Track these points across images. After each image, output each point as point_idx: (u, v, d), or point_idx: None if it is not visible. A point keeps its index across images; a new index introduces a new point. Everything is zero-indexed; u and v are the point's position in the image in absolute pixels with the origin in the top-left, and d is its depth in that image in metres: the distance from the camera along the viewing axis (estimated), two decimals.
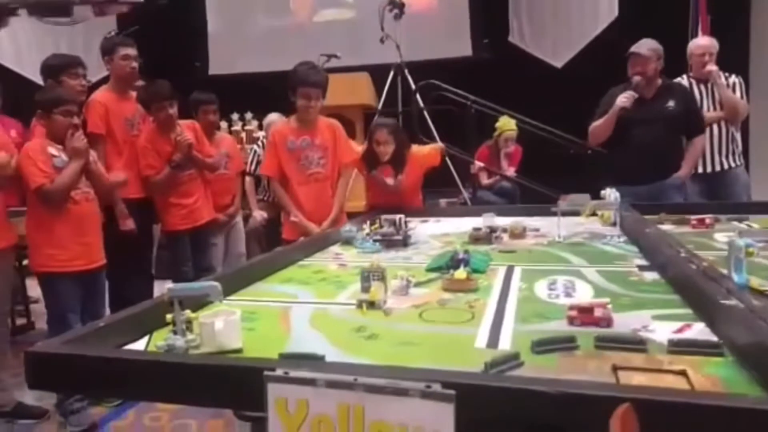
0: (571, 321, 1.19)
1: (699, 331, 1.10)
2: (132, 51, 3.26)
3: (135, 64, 3.26)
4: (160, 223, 3.49)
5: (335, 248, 2.24)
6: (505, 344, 1.11)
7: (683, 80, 3.68)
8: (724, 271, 1.31)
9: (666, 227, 2.25)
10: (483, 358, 0.97)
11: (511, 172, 4.78)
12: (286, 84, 2.90)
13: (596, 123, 3.36)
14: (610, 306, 1.19)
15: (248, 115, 6.08)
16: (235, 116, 6.07)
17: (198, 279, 3.08)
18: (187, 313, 1.16)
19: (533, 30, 6.08)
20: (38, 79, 3.24)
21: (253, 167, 4.33)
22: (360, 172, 3.19)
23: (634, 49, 3.26)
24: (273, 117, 4.51)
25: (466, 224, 2.50)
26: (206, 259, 3.52)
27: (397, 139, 2.97)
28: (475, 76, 5.70)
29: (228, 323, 1.13)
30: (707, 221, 2.25)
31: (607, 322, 1.16)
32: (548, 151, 4.65)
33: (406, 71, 5.11)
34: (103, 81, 3.45)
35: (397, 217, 2.15)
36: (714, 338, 1.04)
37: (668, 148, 3.26)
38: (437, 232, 2.50)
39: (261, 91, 5.85)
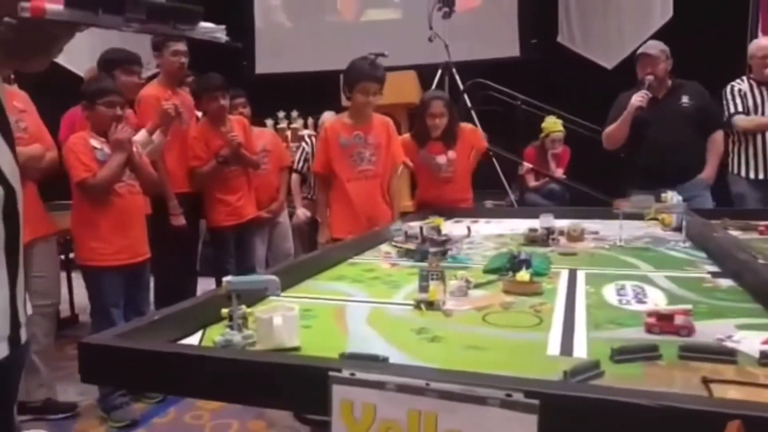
0: (650, 329, 1.11)
1: None
2: (182, 47, 3.29)
3: (184, 60, 3.30)
4: (205, 219, 3.51)
5: (385, 247, 2.20)
6: (580, 352, 1.04)
7: (743, 83, 3.54)
8: None
9: (735, 233, 2.14)
10: (557, 366, 0.91)
11: (559, 173, 4.66)
12: (338, 81, 2.88)
13: (611, 126, 3.36)
14: (690, 313, 1.10)
15: (294, 113, 6.12)
16: (281, 114, 6.11)
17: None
18: (243, 308, 1.13)
19: (583, 30, 5.94)
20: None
21: (300, 165, 4.33)
22: (407, 156, 3.09)
23: (642, 50, 3.29)
24: (328, 116, 4.50)
25: (519, 225, 2.43)
26: (249, 257, 3.53)
27: (450, 113, 3.02)
28: (522, 77, 5.60)
29: (287, 319, 1.09)
30: None
31: (689, 330, 1.08)
32: (598, 153, 4.51)
33: (453, 70, 5.04)
34: (150, 79, 3.50)
35: (438, 226, 2.05)
36: None
37: (687, 146, 3.19)
38: (490, 233, 2.43)
39: (307, 90, 5.90)
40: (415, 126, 3.12)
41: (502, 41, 6.28)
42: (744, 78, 3.57)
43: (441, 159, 3.08)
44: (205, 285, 3.76)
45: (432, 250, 1.85)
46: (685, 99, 3.24)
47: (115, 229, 2.62)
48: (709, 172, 3.22)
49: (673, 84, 3.30)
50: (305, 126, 5.92)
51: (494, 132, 4.96)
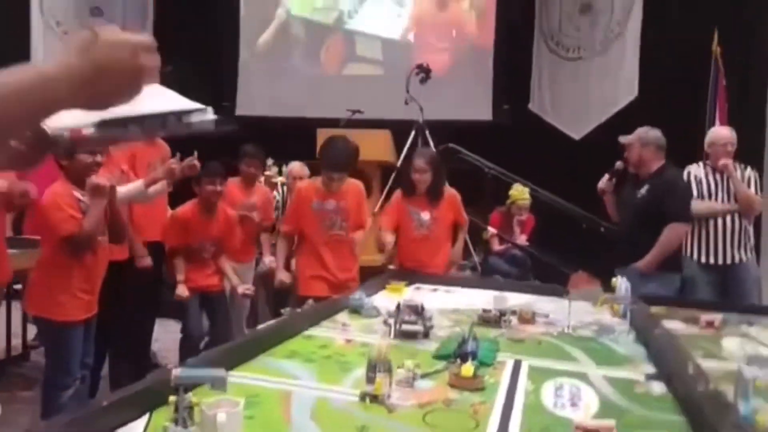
0: None
1: None
2: None
3: None
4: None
5: (343, 317, 2.24)
6: None
7: (699, 168, 3.68)
8: (730, 397, 1.29)
9: (674, 325, 2.23)
10: None
11: (522, 240, 4.78)
12: (315, 130, 3.04)
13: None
14: (614, 430, 1.17)
15: (269, 161, 6.17)
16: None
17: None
18: (190, 396, 1.16)
19: (553, 100, 6.18)
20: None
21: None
22: (394, 207, 3.28)
23: (622, 138, 3.44)
24: (295, 165, 4.58)
25: (476, 299, 2.49)
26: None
27: (435, 171, 3.13)
28: (493, 141, 5.79)
29: (230, 416, 1.12)
30: (716, 323, 2.22)
31: None
32: (562, 223, 4.66)
33: (426, 132, 5.19)
34: None
35: (419, 304, 2.03)
36: None
37: (631, 235, 3.29)
38: (447, 307, 2.49)
39: (284, 137, 5.97)
40: (403, 180, 3.25)
41: (476, 104, 6.49)
42: (700, 163, 3.70)
43: (424, 215, 3.18)
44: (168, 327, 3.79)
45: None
46: (643, 191, 3.27)
47: (85, 284, 2.59)
48: (644, 262, 3.17)
49: (653, 172, 3.31)
50: (279, 173, 5.98)
51: (463, 193, 5.10)
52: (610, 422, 1.19)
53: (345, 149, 3.08)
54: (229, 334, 3.44)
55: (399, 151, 5.37)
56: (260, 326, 2.17)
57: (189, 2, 6.71)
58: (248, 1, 7.59)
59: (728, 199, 3.57)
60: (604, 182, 3.36)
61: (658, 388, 1.52)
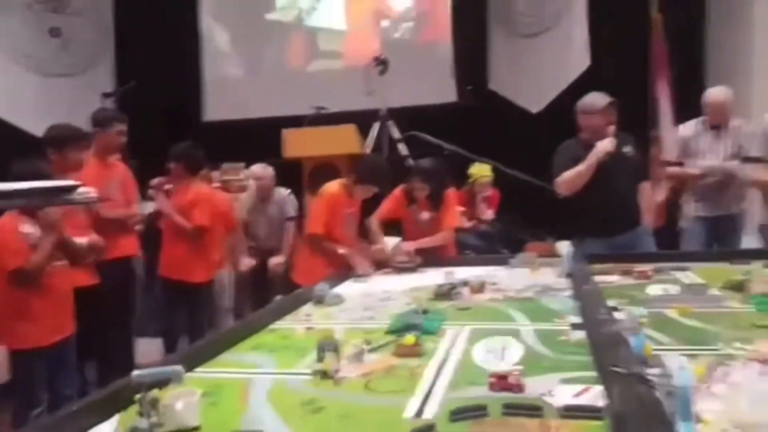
0: (491, 387, 1.35)
1: (595, 394, 1.26)
2: (125, 127, 3.49)
3: (125, 139, 3.49)
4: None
5: (307, 308, 2.40)
6: (430, 413, 1.27)
7: (695, 124, 3.86)
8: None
9: (613, 278, 2.43)
10: (406, 428, 1.14)
11: (489, 215, 4.97)
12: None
13: (570, 173, 3.20)
14: (521, 373, 1.35)
15: (240, 165, 6.28)
16: (226, 165, 6.26)
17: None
18: (154, 392, 1.34)
19: (511, 77, 6.34)
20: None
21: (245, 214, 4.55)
22: (396, 208, 3.46)
23: (587, 108, 3.27)
24: (255, 167, 4.68)
25: (438, 277, 2.65)
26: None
27: (432, 183, 3.31)
28: (461, 121, 5.97)
29: (187, 403, 1.30)
30: (648, 273, 2.42)
31: (519, 387, 1.32)
32: (528, 195, 4.85)
33: (390, 122, 5.35)
34: None
35: None
36: (600, 403, 1.20)
37: (632, 195, 3.26)
38: (409, 286, 2.67)
39: (253, 137, 6.09)
40: (404, 188, 3.42)
41: (440, 88, 6.63)
42: (699, 120, 3.86)
43: (424, 215, 3.39)
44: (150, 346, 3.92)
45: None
46: (628, 148, 3.25)
47: (47, 310, 2.60)
48: (649, 220, 3.31)
49: (615, 134, 3.26)
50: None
51: None
52: (519, 367, 1.37)
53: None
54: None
55: (364, 138, 5.54)
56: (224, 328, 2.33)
57: (151, 15, 6.78)
58: (208, 9, 7.68)
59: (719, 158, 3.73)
60: (613, 144, 3.15)
61: (579, 335, 1.70)
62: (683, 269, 2.53)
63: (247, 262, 4.43)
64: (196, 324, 3.68)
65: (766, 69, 4.72)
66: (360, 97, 5.63)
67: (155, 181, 3.92)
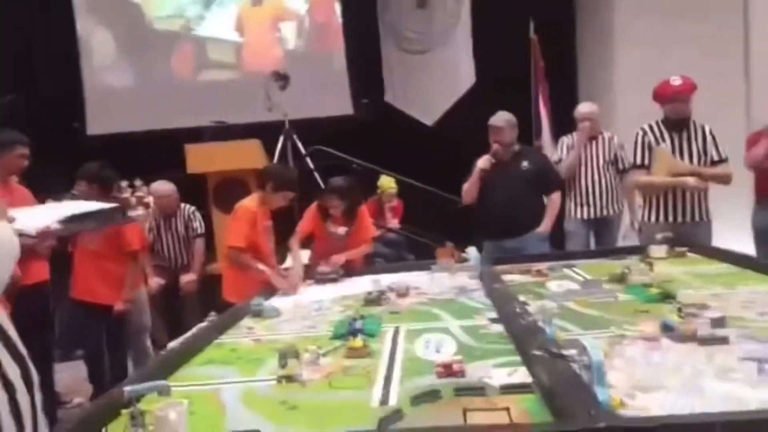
0: (439, 375, 1.62)
1: (522, 374, 1.57)
2: (27, 150, 3.41)
3: (27, 162, 3.42)
4: None
5: (246, 322, 2.55)
6: (393, 401, 1.52)
7: (571, 137, 4.40)
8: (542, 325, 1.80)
9: (515, 277, 2.81)
10: (377, 415, 1.37)
11: (395, 224, 5.31)
12: (178, 140, 3.47)
13: (465, 184, 3.85)
14: (462, 361, 1.64)
15: (138, 182, 6.15)
16: (124, 183, 6.11)
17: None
18: (140, 406, 1.47)
19: (405, 91, 6.74)
20: None
21: (148, 233, 4.51)
22: (311, 224, 3.61)
23: (491, 122, 3.79)
24: (159, 186, 4.64)
25: (363, 285, 2.92)
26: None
27: (346, 201, 3.47)
28: (359, 133, 6.26)
29: (179, 413, 1.44)
30: (543, 271, 2.83)
31: (462, 373, 1.60)
32: (428, 204, 5.25)
33: (294, 137, 5.52)
34: None
35: None
36: (529, 380, 1.51)
37: (526, 205, 3.73)
38: (338, 295, 2.88)
39: (145, 150, 5.99)
40: (318, 205, 3.58)
41: (337, 101, 6.89)
42: (572, 135, 4.43)
43: (341, 230, 3.55)
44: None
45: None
46: (525, 164, 3.75)
47: None
48: (544, 227, 3.73)
49: (519, 150, 3.81)
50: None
51: None
52: (459, 357, 1.66)
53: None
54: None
55: (270, 154, 5.66)
56: (172, 342, 2.43)
57: (26, 26, 6.44)
58: (85, 15, 7.37)
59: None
60: (487, 162, 3.69)
61: (498, 328, 2.03)
62: (571, 266, 2.97)
63: (155, 282, 4.42)
64: (115, 345, 3.66)
65: (628, 86, 5.40)
66: (260, 110, 5.73)
67: None
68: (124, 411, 1.46)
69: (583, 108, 4.45)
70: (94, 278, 3.64)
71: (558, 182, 3.94)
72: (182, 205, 4.71)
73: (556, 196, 3.86)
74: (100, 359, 3.67)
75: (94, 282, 3.64)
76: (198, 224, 4.72)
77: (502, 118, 3.80)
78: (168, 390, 1.51)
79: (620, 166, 4.27)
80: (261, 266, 3.23)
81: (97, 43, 7.47)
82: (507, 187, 3.71)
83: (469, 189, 3.83)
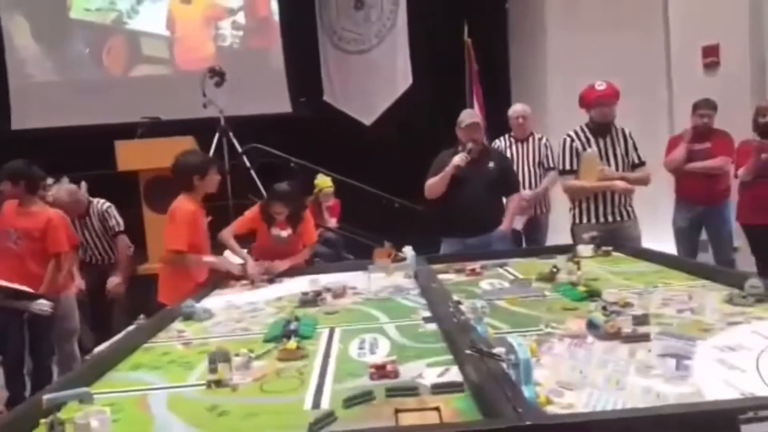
0: (372, 376, 1.62)
1: (454, 373, 1.59)
2: None
3: None
4: None
5: (177, 325, 2.48)
6: (326, 403, 1.50)
7: (503, 140, 4.54)
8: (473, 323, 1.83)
9: (450, 276, 2.85)
10: (309, 418, 1.35)
11: (333, 223, 5.29)
12: (108, 136, 3.21)
13: (432, 180, 3.74)
14: (395, 362, 1.64)
15: (65, 179, 5.90)
16: (50, 180, 5.85)
17: None
18: (60, 415, 1.40)
19: (343, 90, 6.75)
20: None
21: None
22: (258, 230, 3.55)
23: (464, 120, 3.77)
24: (61, 194, 4.40)
25: (299, 285, 2.89)
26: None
27: (291, 206, 3.43)
28: (297, 131, 6.20)
29: (102, 421, 1.38)
30: (477, 270, 2.88)
31: (395, 374, 1.61)
32: (369, 203, 5.26)
33: (231, 134, 5.41)
34: None
35: None
36: (460, 378, 1.53)
37: (488, 204, 3.76)
38: (273, 297, 2.85)
39: (74, 148, 5.74)
40: (263, 211, 3.49)
41: (274, 99, 6.82)
42: (504, 137, 4.57)
43: (284, 233, 3.50)
44: None
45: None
46: (491, 164, 3.75)
47: None
48: (505, 226, 3.78)
49: (484, 148, 3.84)
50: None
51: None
52: (392, 358, 1.66)
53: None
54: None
55: (205, 151, 5.52)
56: (99, 347, 2.34)
57: None
58: (9, 6, 7.03)
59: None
60: (464, 160, 3.64)
61: (432, 326, 2.05)
62: (503, 265, 3.04)
63: (77, 285, 4.21)
64: (37, 350, 3.49)
65: (558, 87, 5.61)
66: (194, 106, 5.60)
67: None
68: (43, 420, 1.39)
69: (517, 107, 4.59)
70: (16, 281, 3.46)
71: (518, 184, 4.05)
72: (95, 201, 4.52)
73: (514, 197, 3.92)
74: (18, 365, 3.49)
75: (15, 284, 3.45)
76: (115, 222, 4.53)
77: (474, 115, 3.86)
78: (90, 397, 1.44)
79: (546, 164, 4.42)
80: (207, 258, 3.20)
81: (22, 36, 7.15)
82: (475, 186, 3.71)
83: (436, 184, 3.73)
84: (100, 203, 4.51)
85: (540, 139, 4.53)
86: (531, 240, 4.44)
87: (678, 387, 1.36)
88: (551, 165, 4.33)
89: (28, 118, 6.92)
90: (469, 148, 3.70)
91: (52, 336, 3.68)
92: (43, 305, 3.42)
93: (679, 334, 1.67)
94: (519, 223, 4.35)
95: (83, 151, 5.11)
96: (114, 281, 4.40)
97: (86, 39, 7.30)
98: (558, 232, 4.49)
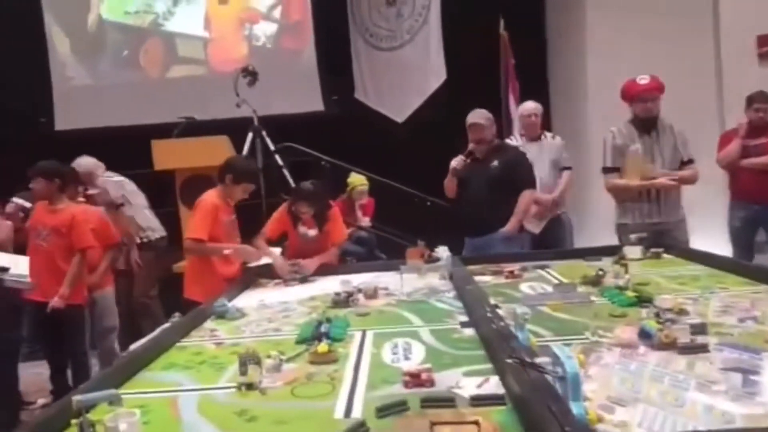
0: (406, 384, 1.55)
1: (494, 384, 1.51)
2: None
3: None
4: None
5: (210, 324, 2.46)
6: (357, 412, 1.44)
7: (513, 140, 4.39)
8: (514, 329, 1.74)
9: (486, 278, 2.75)
10: (341, 427, 1.29)
11: (366, 222, 5.23)
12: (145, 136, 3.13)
13: (445, 180, 3.83)
14: (431, 370, 1.56)
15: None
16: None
17: None
18: (89, 416, 1.37)
19: (375, 88, 6.68)
20: None
21: None
22: (285, 228, 3.53)
23: (469, 120, 3.70)
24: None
25: (331, 285, 2.83)
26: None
27: (315, 205, 3.41)
28: (329, 130, 6.16)
29: (130, 424, 1.35)
30: (516, 272, 2.77)
31: (431, 383, 1.54)
32: (399, 202, 5.18)
33: (264, 133, 5.40)
34: None
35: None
36: (501, 390, 1.45)
37: (491, 204, 3.63)
38: (305, 296, 2.80)
39: (118, 148, 5.82)
40: (289, 209, 3.46)
41: (307, 98, 6.79)
42: (513, 136, 4.42)
43: (311, 232, 3.47)
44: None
45: None
46: (495, 163, 3.64)
47: None
48: (508, 227, 3.60)
49: (494, 146, 3.72)
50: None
51: None
52: (428, 365, 1.59)
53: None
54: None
55: (238, 151, 5.53)
56: (134, 345, 2.32)
57: None
58: (53, 10, 7.17)
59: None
60: (459, 162, 3.64)
61: (469, 332, 1.97)
62: (544, 267, 2.92)
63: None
64: (71, 347, 3.53)
65: (599, 81, 5.38)
66: (228, 106, 5.61)
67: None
68: (74, 421, 1.37)
69: (529, 105, 4.43)
70: (46, 278, 3.51)
71: (529, 181, 3.79)
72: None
73: (524, 195, 3.68)
74: (62, 360, 3.55)
75: (46, 282, 3.51)
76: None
77: (480, 116, 3.73)
78: (119, 399, 1.41)
79: (562, 165, 4.29)
80: (226, 247, 3.21)
81: (63, 40, 7.28)
82: (475, 186, 3.69)
83: (446, 185, 3.87)
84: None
85: (553, 138, 4.37)
86: (555, 240, 4.26)
87: (746, 406, 1.24)
88: (566, 165, 4.25)
89: (70, 119, 7.06)
90: (468, 150, 3.71)
91: (86, 333, 3.71)
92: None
93: (743, 346, 1.53)
94: (536, 227, 4.20)
95: (122, 151, 5.15)
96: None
97: (124, 41, 7.40)
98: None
